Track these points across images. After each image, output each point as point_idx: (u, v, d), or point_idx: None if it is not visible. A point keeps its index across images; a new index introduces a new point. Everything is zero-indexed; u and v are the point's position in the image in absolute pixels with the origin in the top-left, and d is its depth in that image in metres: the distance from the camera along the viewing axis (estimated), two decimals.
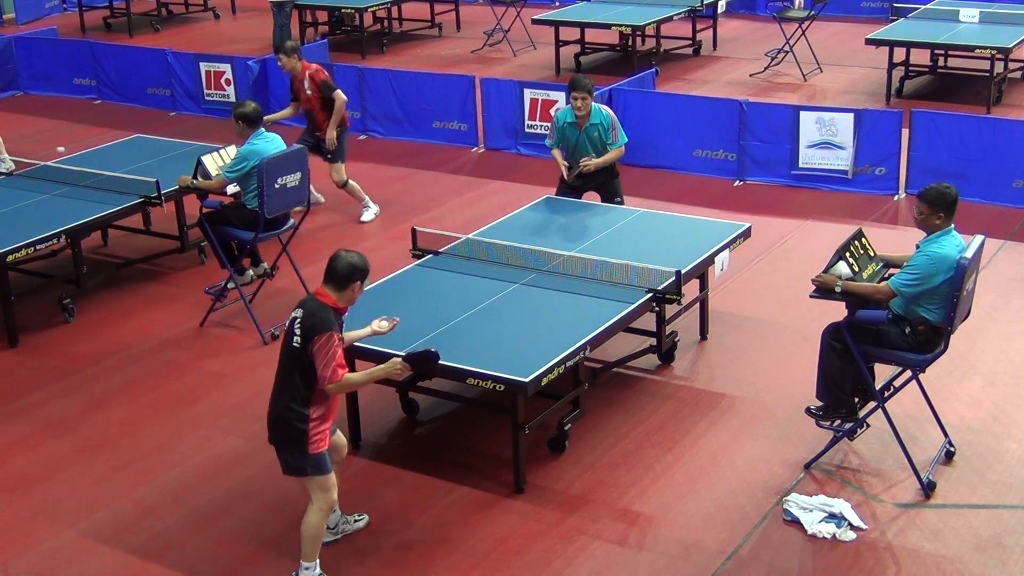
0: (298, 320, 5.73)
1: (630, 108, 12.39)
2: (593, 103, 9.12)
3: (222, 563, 6.35)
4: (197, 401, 8.04)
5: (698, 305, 8.50)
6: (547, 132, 12.75)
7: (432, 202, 11.63)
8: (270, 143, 8.87)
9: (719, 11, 17.38)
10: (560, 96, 12.67)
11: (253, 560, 6.37)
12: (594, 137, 9.10)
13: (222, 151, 9.22)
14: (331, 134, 10.76)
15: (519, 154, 12.98)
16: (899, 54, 14.52)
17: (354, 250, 5.91)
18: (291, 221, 9.10)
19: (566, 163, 9.29)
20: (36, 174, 10.25)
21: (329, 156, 10.90)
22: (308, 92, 10.81)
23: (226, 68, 14.68)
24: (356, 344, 6.95)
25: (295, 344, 5.70)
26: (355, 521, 6.48)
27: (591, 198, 9.36)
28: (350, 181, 11.02)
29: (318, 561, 5.96)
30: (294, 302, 8.98)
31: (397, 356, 5.92)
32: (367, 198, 11.21)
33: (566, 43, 16.26)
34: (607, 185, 9.29)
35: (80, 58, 15.98)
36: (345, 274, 5.78)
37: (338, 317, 5.83)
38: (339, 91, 10.82)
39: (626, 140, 9.31)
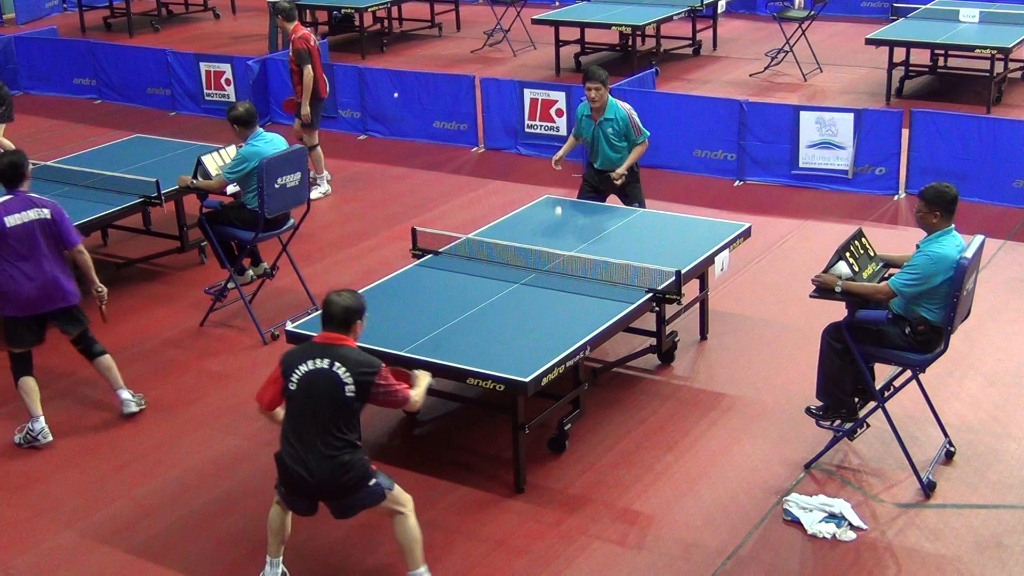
0: (340, 370, 5.56)
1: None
2: (611, 98, 9.04)
3: (222, 563, 6.35)
4: (197, 401, 8.04)
5: (698, 305, 8.50)
6: (547, 132, 12.85)
7: (432, 202, 11.64)
8: (270, 143, 8.87)
9: (719, 11, 17.39)
10: (560, 96, 12.68)
11: (253, 560, 6.37)
12: (608, 133, 9.03)
13: (222, 151, 9.22)
14: (304, 109, 11.27)
15: (519, 154, 12.98)
16: (899, 54, 14.53)
17: (344, 290, 5.81)
18: (291, 221, 9.10)
19: (566, 150, 9.41)
20: (36, 174, 10.19)
21: (300, 122, 11.49)
22: (290, 55, 11.18)
23: (226, 68, 14.68)
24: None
25: (349, 395, 5.58)
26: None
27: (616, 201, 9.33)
28: (318, 148, 11.52)
29: (425, 565, 5.90)
30: (294, 302, 9.14)
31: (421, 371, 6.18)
32: (325, 174, 11.60)
33: (566, 43, 16.26)
34: (627, 189, 9.17)
35: (80, 58, 15.99)
36: (344, 318, 5.69)
37: None
38: (308, 67, 11.23)
39: (648, 134, 9.19)
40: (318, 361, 5.59)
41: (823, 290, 6.67)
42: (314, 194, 11.04)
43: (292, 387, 5.63)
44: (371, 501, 5.74)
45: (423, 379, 6.08)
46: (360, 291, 7.64)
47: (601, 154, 9.10)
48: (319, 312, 7.63)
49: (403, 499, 5.84)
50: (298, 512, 5.91)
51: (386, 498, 5.77)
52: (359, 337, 5.81)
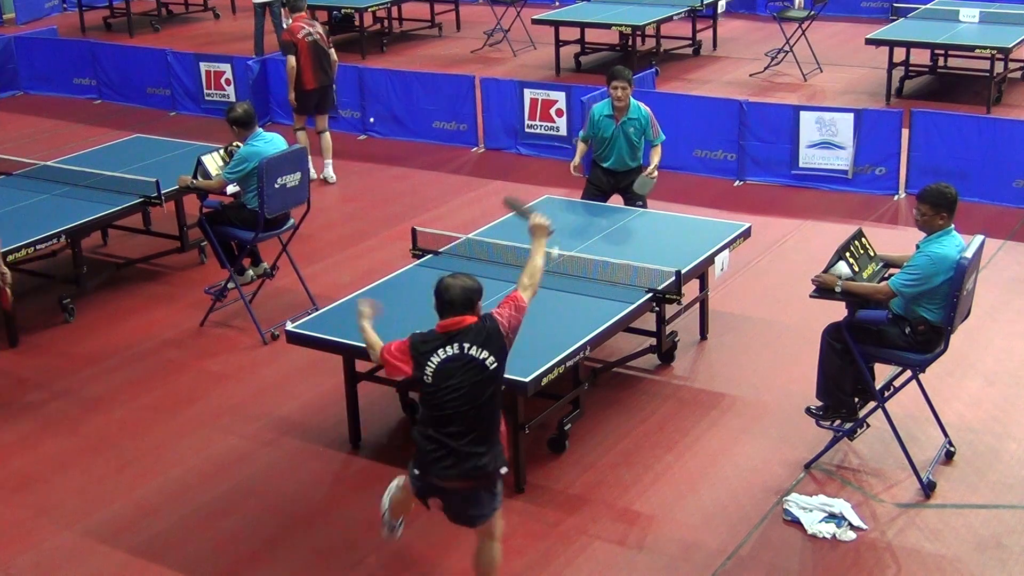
0: (472, 348, 5.27)
1: None
2: (633, 99, 9.09)
3: (222, 563, 6.35)
4: (197, 401, 8.04)
5: (698, 305, 8.50)
6: (547, 132, 12.85)
7: (432, 202, 11.64)
8: (270, 143, 8.87)
9: (719, 11, 17.38)
10: (560, 96, 12.68)
11: (253, 560, 6.37)
12: (629, 132, 9.07)
13: (222, 151, 9.21)
14: (290, 96, 11.98)
15: (519, 154, 12.98)
16: (899, 54, 14.53)
17: (462, 273, 5.50)
18: (291, 221, 9.10)
19: (580, 156, 9.38)
20: (36, 174, 10.25)
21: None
22: None
23: (226, 68, 14.68)
24: (355, 344, 6.96)
25: (493, 369, 5.28)
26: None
27: (615, 202, 9.32)
28: (300, 133, 12.03)
29: None
30: (294, 302, 9.14)
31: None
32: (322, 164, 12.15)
33: (566, 43, 16.26)
34: (632, 188, 9.18)
35: (80, 58, 15.99)
36: (465, 298, 5.33)
37: None
38: (289, 57, 11.81)
39: (663, 138, 9.33)
40: (448, 349, 5.27)
41: (823, 290, 6.67)
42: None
43: (428, 380, 5.30)
44: (489, 509, 5.50)
45: (539, 244, 5.71)
46: (360, 291, 7.71)
47: (616, 154, 9.12)
48: (319, 312, 7.69)
49: (501, 525, 5.65)
50: (419, 497, 5.64)
51: (496, 513, 5.53)
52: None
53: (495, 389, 5.37)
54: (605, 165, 9.20)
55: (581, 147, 9.45)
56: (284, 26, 12.09)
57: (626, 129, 9.06)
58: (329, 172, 12.30)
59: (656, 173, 9.12)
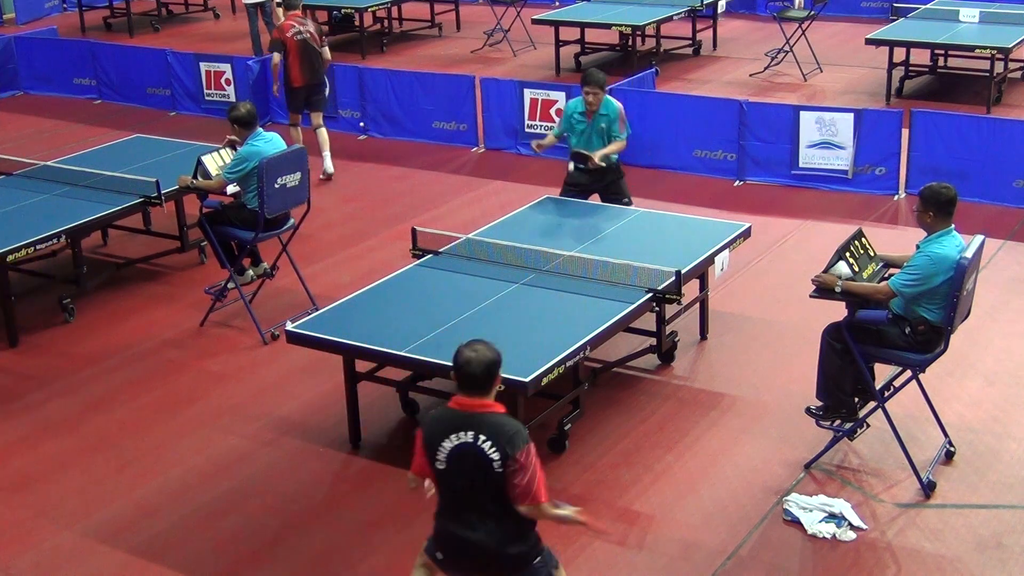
0: (486, 443, 4.81)
1: (630, 108, 12.30)
2: (606, 95, 9.14)
3: (222, 563, 6.35)
4: (197, 401, 8.04)
5: (698, 305, 8.50)
6: (547, 132, 12.82)
7: (432, 202, 11.64)
8: (270, 143, 8.87)
9: (719, 11, 17.38)
10: (560, 96, 12.67)
11: (253, 560, 6.38)
12: (601, 128, 9.11)
13: (222, 151, 9.21)
14: (274, 87, 12.53)
15: (519, 154, 12.98)
16: (899, 54, 14.53)
17: (476, 342, 4.94)
18: (291, 221, 9.10)
19: (552, 142, 9.56)
20: (36, 174, 10.25)
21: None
22: None
23: (226, 68, 14.68)
24: (355, 344, 6.97)
25: (499, 470, 4.80)
26: None
27: (596, 200, 9.36)
28: (295, 129, 12.29)
29: None
30: (294, 302, 9.14)
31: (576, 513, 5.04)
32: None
33: (566, 43, 16.26)
34: (612, 186, 9.27)
35: (80, 58, 15.99)
36: (486, 374, 4.88)
37: None
38: (274, 55, 12.16)
39: (629, 133, 9.33)
40: (462, 435, 4.85)
41: (823, 290, 6.67)
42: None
43: (441, 466, 4.91)
44: None
45: (569, 511, 5.01)
46: (360, 291, 7.71)
47: (590, 149, 9.13)
48: (319, 312, 7.69)
49: None
50: None
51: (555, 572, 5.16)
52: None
53: (501, 482, 4.87)
54: (581, 165, 9.22)
55: (551, 139, 9.59)
56: (276, 24, 12.32)
57: (598, 124, 9.12)
58: (328, 165, 12.45)
59: (596, 159, 9.03)
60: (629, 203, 9.24)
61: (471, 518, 4.94)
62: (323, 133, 12.45)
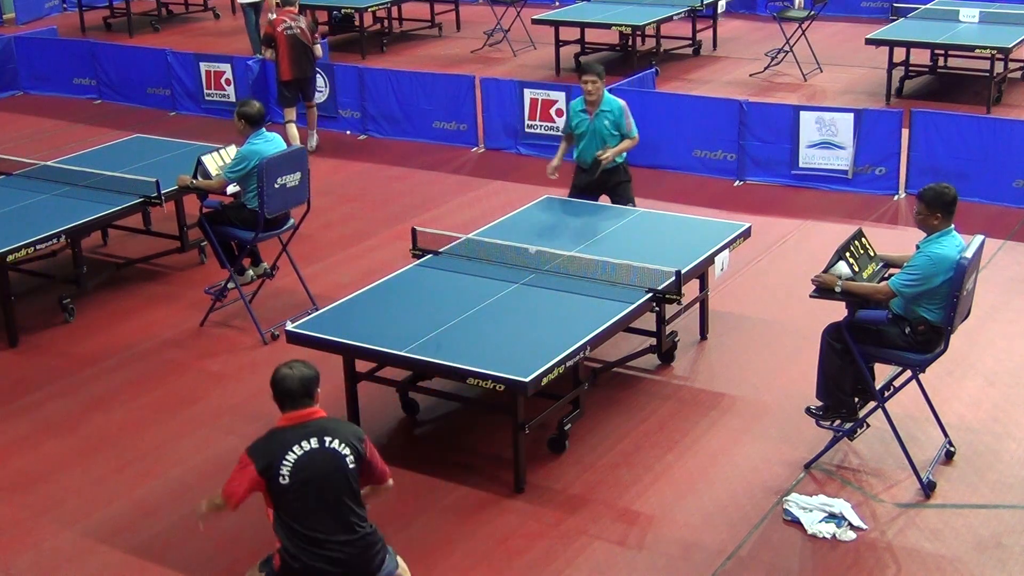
0: (335, 443, 4.99)
1: (630, 108, 12.36)
2: (606, 92, 9.07)
3: (222, 563, 6.35)
4: (197, 401, 8.04)
5: (698, 305, 8.50)
6: (547, 132, 12.85)
7: (432, 202, 11.64)
8: (270, 143, 8.87)
9: (719, 11, 17.38)
10: (560, 96, 12.67)
11: (253, 560, 6.35)
12: (604, 126, 9.03)
13: (222, 151, 9.21)
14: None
15: (519, 154, 12.98)
16: (899, 54, 14.53)
17: (292, 361, 5.23)
18: (291, 221, 9.10)
19: (561, 154, 9.41)
20: (36, 174, 10.25)
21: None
22: None
23: (226, 68, 14.68)
24: (355, 344, 6.97)
25: (351, 466, 4.99)
26: None
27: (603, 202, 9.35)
28: (289, 125, 12.79)
29: None
30: (294, 302, 9.14)
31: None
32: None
33: (566, 43, 16.26)
34: (618, 189, 9.20)
35: (80, 58, 15.98)
36: (306, 390, 5.10)
37: None
38: (267, 50, 12.76)
39: (637, 132, 9.25)
40: (304, 444, 4.97)
41: (823, 290, 6.67)
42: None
43: (285, 480, 4.93)
44: (393, 569, 5.28)
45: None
46: (360, 291, 7.71)
47: (591, 151, 9.08)
48: (320, 311, 7.68)
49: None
50: None
51: (400, 564, 5.37)
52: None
53: (352, 481, 5.05)
54: (583, 164, 9.17)
55: (563, 145, 9.47)
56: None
57: (601, 122, 9.02)
58: (312, 142, 13.21)
59: (608, 155, 8.95)
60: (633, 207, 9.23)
61: (330, 529, 4.98)
62: (313, 111, 13.28)
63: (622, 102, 9.19)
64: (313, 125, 13.37)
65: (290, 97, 12.91)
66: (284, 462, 4.94)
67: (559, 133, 12.67)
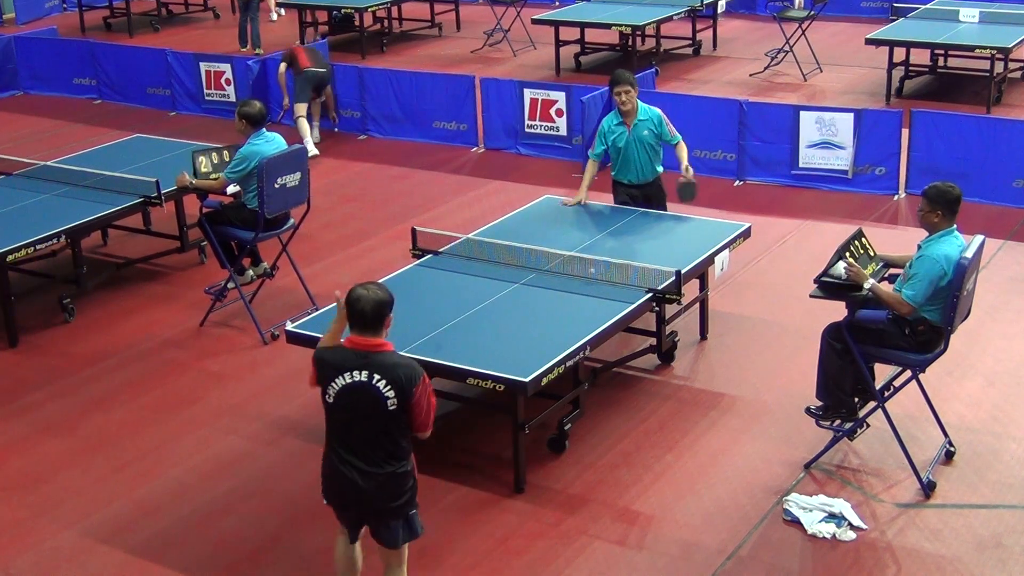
0: (380, 382, 5.06)
1: None
2: (640, 101, 8.75)
3: (222, 563, 6.35)
4: (197, 401, 8.04)
5: (698, 305, 8.50)
6: (547, 132, 12.85)
7: (432, 202, 11.64)
8: (270, 143, 8.88)
9: (719, 11, 17.39)
10: (560, 96, 12.68)
11: (253, 560, 6.38)
12: (644, 136, 8.67)
13: (214, 153, 9.18)
14: (284, 100, 13.25)
15: (519, 154, 12.98)
16: (899, 54, 14.53)
17: (369, 283, 5.24)
18: (291, 221, 9.10)
19: (588, 183, 8.90)
20: (36, 174, 10.25)
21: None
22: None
23: (226, 68, 14.69)
24: None
25: (391, 408, 5.08)
26: None
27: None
28: (299, 120, 13.05)
29: None
30: (294, 302, 9.14)
31: None
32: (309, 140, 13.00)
33: (566, 43, 16.26)
34: (655, 199, 8.90)
35: (80, 58, 15.99)
36: (377, 315, 5.10)
37: None
38: (282, 64, 13.24)
39: (681, 137, 8.84)
40: (355, 374, 5.10)
41: (850, 286, 6.53)
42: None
43: (330, 400, 5.19)
44: (407, 533, 5.42)
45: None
46: None
47: (635, 165, 8.71)
48: (319, 312, 7.68)
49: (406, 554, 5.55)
50: (350, 527, 5.52)
51: (409, 540, 5.45)
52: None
53: (390, 422, 5.17)
54: (627, 180, 8.81)
55: (591, 167, 8.94)
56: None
57: (639, 133, 8.66)
58: (315, 133, 13.51)
59: (692, 172, 8.64)
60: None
61: (359, 454, 5.19)
62: (320, 106, 13.60)
63: (658, 109, 8.86)
64: (316, 116, 13.63)
65: (307, 92, 13.17)
66: (332, 384, 5.14)
67: (559, 134, 12.76)
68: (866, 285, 6.51)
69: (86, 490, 7.04)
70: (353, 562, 5.64)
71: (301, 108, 13.07)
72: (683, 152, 8.76)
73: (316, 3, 17.99)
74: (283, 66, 13.26)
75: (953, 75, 14.98)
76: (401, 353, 5.24)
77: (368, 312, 5.09)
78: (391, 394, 5.08)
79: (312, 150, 12.90)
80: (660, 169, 8.89)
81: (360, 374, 5.09)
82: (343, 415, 5.20)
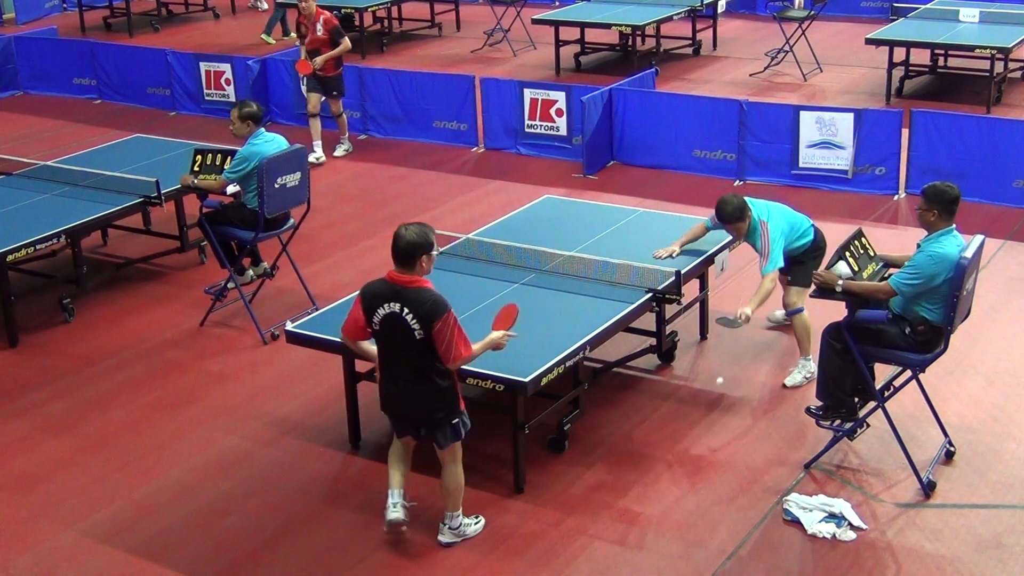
0: (408, 315, 5.81)
1: (630, 108, 12.40)
2: (753, 216, 7.69)
3: (222, 563, 6.35)
4: (197, 401, 8.04)
5: (698, 305, 8.50)
6: (547, 132, 12.85)
7: (432, 202, 11.64)
8: (270, 143, 8.87)
9: (719, 11, 17.39)
10: (560, 96, 12.68)
11: (253, 559, 6.38)
12: (753, 243, 7.87)
13: (210, 154, 9.17)
14: (321, 60, 12.51)
15: (519, 154, 12.98)
16: (899, 54, 14.53)
17: (413, 223, 5.95)
18: (291, 221, 9.10)
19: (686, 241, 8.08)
20: (36, 174, 10.25)
21: (334, 93, 12.84)
22: (319, 34, 12.56)
23: (226, 68, 14.68)
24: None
25: (419, 337, 5.82)
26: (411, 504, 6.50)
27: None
28: (343, 115, 13.12)
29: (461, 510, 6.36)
30: (294, 302, 9.14)
31: (496, 332, 6.13)
32: (345, 136, 13.28)
33: (566, 43, 16.26)
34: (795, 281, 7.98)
35: (80, 58, 15.98)
36: (408, 254, 5.84)
37: None
38: (347, 37, 12.81)
39: (771, 270, 7.70)
40: (390, 305, 5.84)
41: (823, 289, 6.67)
42: (338, 152, 13.21)
43: (376, 327, 5.94)
44: (454, 435, 6.10)
45: (491, 336, 6.11)
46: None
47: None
48: (320, 311, 7.69)
49: (460, 449, 6.22)
50: (405, 434, 6.26)
51: (458, 441, 6.13)
52: (430, 271, 5.95)
53: (422, 347, 5.87)
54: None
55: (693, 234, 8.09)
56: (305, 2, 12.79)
57: (751, 240, 7.86)
58: (341, 148, 13.32)
59: (745, 317, 7.47)
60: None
61: (398, 374, 6.01)
62: (344, 120, 13.32)
63: (758, 221, 7.72)
64: (344, 128, 13.36)
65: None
66: (376, 313, 5.92)
67: (559, 134, 12.75)
68: (836, 288, 6.55)
69: (86, 490, 7.04)
70: (403, 456, 6.38)
71: (311, 99, 12.86)
72: (756, 294, 7.67)
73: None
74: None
75: (953, 75, 14.98)
76: (432, 289, 5.86)
77: (402, 249, 5.84)
78: (416, 325, 5.80)
79: (316, 156, 12.78)
80: (767, 270, 7.75)
81: (393, 305, 5.85)
82: (386, 340, 5.97)
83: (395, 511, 6.29)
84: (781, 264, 7.66)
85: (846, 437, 6.99)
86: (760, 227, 7.67)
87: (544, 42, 17.12)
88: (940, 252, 6.40)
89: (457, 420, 6.09)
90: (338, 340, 7.00)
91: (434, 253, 5.96)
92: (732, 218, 7.66)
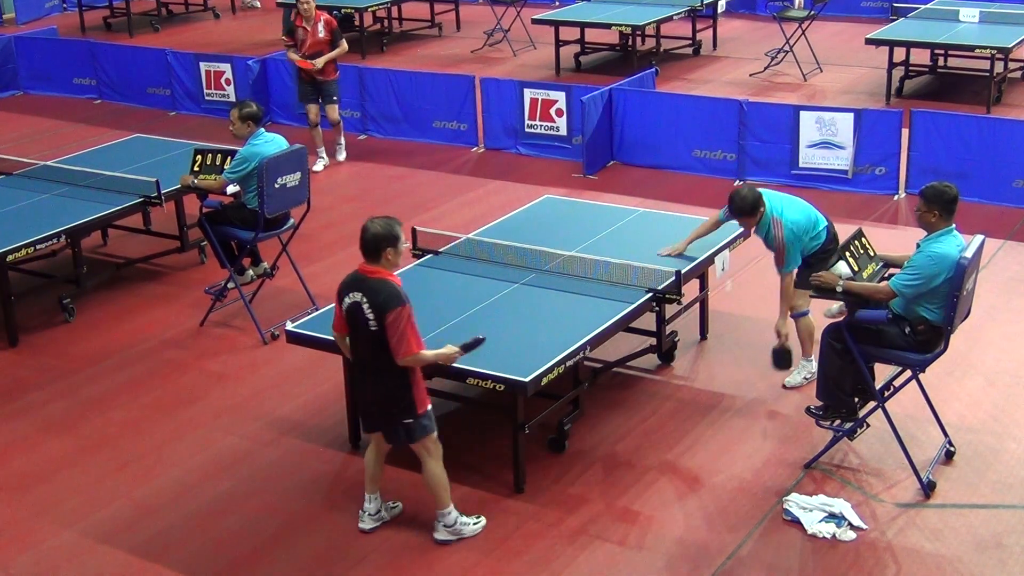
0: (365, 304, 5.90)
1: (630, 108, 12.40)
2: (768, 215, 7.46)
3: (222, 563, 6.35)
4: (197, 401, 8.04)
5: (698, 305, 8.50)
6: (547, 132, 12.85)
7: (432, 202, 11.64)
8: (270, 144, 8.87)
9: (719, 11, 17.39)
10: (560, 96, 12.68)
11: (253, 559, 6.38)
12: (765, 238, 7.64)
13: (210, 154, 9.17)
14: (322, 61, 12.31)
15: (519, 154, 12.98)
16: (899, 54, 14.53)
17: (380, 217, 6.14)
18: (291, 221, 9.10)
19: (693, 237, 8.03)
20: (36, 174, 10.25)
21: (334, 98, 12.66)
22: (321, 35, 12.42)
23: (226, 68, 14.68)
24: None
25: (372, 329, 5.90)
26: (392, 508, 6.63)
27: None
28: (341, 122, 12.97)
29: (452, 504, 6.36)
30: (294, 302, 9.14)
31: (453, 346, 6.14)
32: (342, 144, 13.08)
33: (566, 43, 16.26)
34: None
35: (80, 58, 15.99)
36: (373, 247, 5.98)
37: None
38: (344, 39, 12.67)
39: (788, 270, 7.57)
40: (353, 295, 5.96)
41: (823, 289, 6.67)
42: (317, 166, 12.65)
43: (346, 316, 6.04)
44: (411, 434, 6.12)
45: (446, 349, 6.13)
46: None
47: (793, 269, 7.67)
48: (319, 311, 7.69)
49: (437, 448, 6.23)
50: (368, 430, 6.36)
51: (424, 439, 6.13)
52: (398, 266, 6.08)
53: (380, 340, 5.93)
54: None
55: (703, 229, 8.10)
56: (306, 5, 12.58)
57: (762, 235, 7.68)
58: (340, 154, 13.14)
59: (785, 336, 7.47)
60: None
61: (359, 367, 6.15)
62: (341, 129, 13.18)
63: (771, 217, 7.48)
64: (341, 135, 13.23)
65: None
66: (343, 301, 6.04)
67: (559, 134, 12.76)
68: (837, 288, 6.55)
69: (86, 490, 7.04)
70: (374, 456, 6.41)
71: (311, 110, 12.64)
72: (781, 300, 7.57)
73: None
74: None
75: (953, 75, 14.98)
76: (393, 282, 5.94)
77: (367, 242, 6.02)
78: (371, 315, 5.89)
79: (324, 162, 12.74)
80: (786, 271, 7.59)
81: (356, 295, 5.96)
82: (352, 332, 6.06)
83: (362, 521, 6.46)
84: (799, 263, 7.55)
85: (846, 437, 6.99)
86: (772, 223, 7.47)
87: (544, 42, 17.12)
88: (940, 252, 6.39)
89: (411, 421, 6.07)
90: None
91: (401, 247, 6.05)
92: (744, 212, 7.50)
